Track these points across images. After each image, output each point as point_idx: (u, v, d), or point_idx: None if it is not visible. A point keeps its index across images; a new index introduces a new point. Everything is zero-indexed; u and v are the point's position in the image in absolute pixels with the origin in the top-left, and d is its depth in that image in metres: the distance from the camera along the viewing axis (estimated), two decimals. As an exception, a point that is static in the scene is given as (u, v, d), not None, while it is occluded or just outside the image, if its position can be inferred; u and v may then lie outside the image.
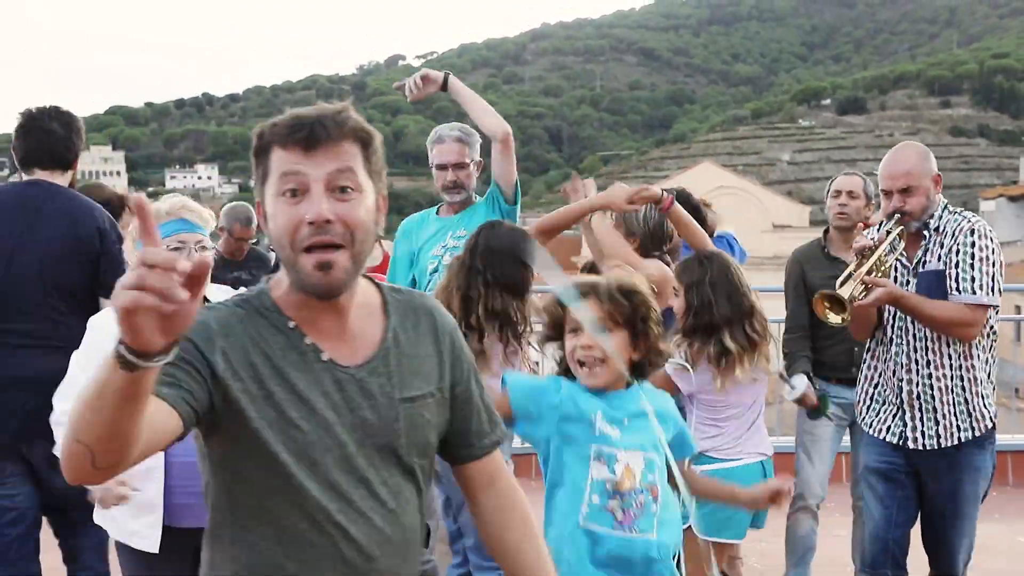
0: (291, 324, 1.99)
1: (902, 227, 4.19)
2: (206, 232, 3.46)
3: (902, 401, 4.25)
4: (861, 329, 4.39)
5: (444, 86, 4.67)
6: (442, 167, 4.81)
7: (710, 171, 59.64)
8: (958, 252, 4.12)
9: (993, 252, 4.13)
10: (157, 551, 3.31)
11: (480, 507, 2.27)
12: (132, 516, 3.33)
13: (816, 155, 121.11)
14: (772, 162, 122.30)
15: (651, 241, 4.65)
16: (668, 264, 4.59)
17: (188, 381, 1.86)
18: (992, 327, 4.24)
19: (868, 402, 4.45)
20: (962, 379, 4.18)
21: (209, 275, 3.25)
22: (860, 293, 4.06)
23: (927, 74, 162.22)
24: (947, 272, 4.14)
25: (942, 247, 4.18)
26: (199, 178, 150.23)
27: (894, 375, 4.29)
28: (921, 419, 4.21)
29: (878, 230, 4.32)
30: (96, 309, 4.10)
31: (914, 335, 4.23)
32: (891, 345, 4.30)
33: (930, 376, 4.20)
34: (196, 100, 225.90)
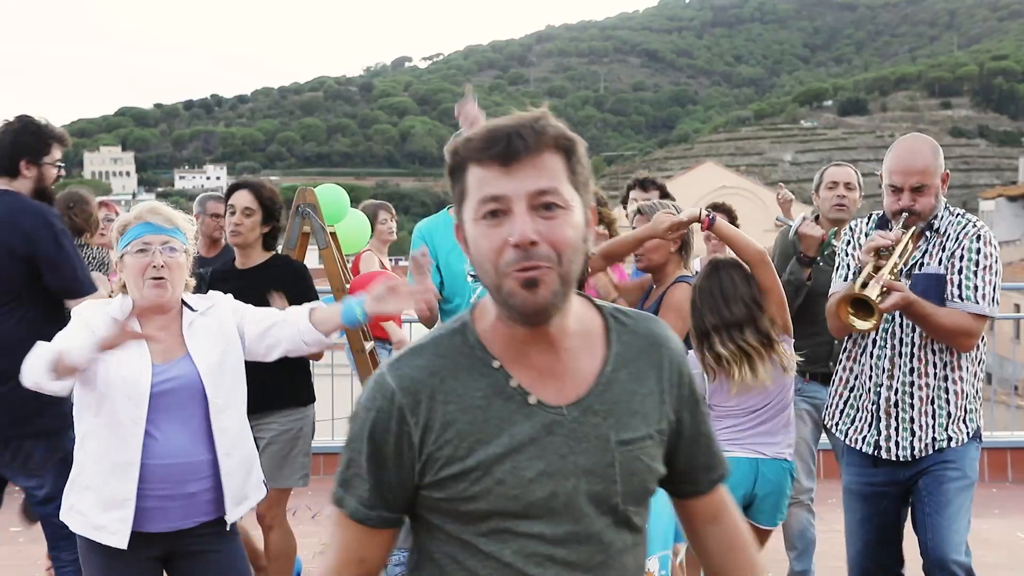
0: (495, 364, 1.82)
1: (914, 227, 3.95)
2: (177, 234, 3.39)
3: (878, 408, 4.01)
4: (844, 327, 4.07)
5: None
6: None
7: (713, 171, 59.76)
8: (962, 258, 3.90)
9: (996, 261, 3.93)
10: (125, 547, 3.23)
11: (702, 541, 2.10)
12: (102, 510, 3.27)
13: (818, 155, 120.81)
14: (774, 162, 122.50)
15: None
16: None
17: (395, 496, 1.83)
18: (983, 338, 4.04)
19: (842, 407, 4.19)
20: (946, 390, 3.94)
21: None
22: (878, 297, 3.73)
23: (927, 76, 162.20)
24: (948, 277, 3.91)
25: (943, 250, 3.95)
26: (208, 178, 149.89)
27: (871, 379, 4.05)
28: (896, 428, 3.98)
29: (889, 228, 4.01)
30: (41, 309, 4.31)
31: (900, 339, 3.98)
32: (872, 347, 4.06)
33: (912, 384, 3.97)
34: (205, 101, 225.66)
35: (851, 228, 4.27)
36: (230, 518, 3.43)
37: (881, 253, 3.84)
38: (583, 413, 1.82)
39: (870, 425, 4.04)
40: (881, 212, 4.16)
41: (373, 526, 1.84)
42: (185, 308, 3.45)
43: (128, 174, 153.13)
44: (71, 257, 4.38)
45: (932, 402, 3.95)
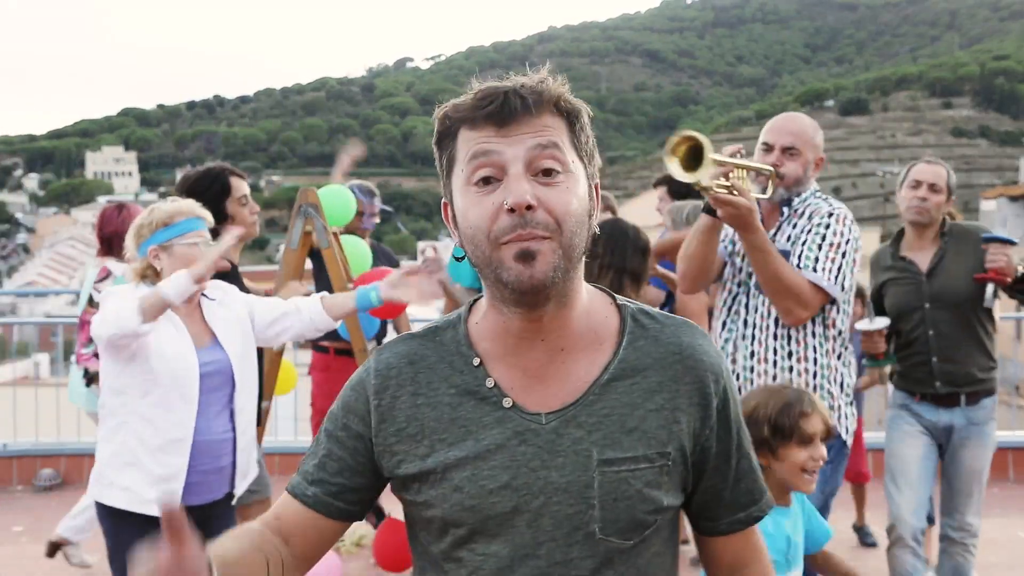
0: (475, 361, 1.65)
1: (772, 191, 3.74)
2: (204, 228, 3.69)
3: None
4: (694, 272, 3.83)
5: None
6: None
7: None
8: (809, 231, 3.70)
9: (848, 243, 3.67)
10: None
11: None
12: (150, 485, 3.47)
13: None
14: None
15: None
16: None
17: (339, 475, 1.70)
18: (840, 331, 3.75)
19: None
20: (790, 382, 3.64)
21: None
22: (718, 186, 3.43)
23: (929, 76, 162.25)
24: (791, 251, 3.71)
25: (794, 228, 3.77)
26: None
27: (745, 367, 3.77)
28: None
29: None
30: None
31: (745, 321, 3.78)
32: (721, 330, 3.85)
33: (751, 370, 3.75)
34: (207, 102, 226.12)
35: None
36: (238, 491, 3.74)
37: (736, 156, 3.57)
38: (563, 424, 1.61)
39: None
40: None
41: (304, 504, 1.71)
42: (202, 297, 3.70)
43: (130, 174, 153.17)
44: None
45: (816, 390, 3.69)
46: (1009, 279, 4.34)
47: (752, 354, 3.75)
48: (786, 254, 3.70)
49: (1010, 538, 6.26)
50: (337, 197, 5.23)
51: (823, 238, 3.67)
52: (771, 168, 3.74)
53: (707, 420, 1.66)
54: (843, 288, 3.67)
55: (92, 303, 5.15)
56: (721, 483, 1.71)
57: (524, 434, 1.60)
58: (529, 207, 1.50)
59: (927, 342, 4.45)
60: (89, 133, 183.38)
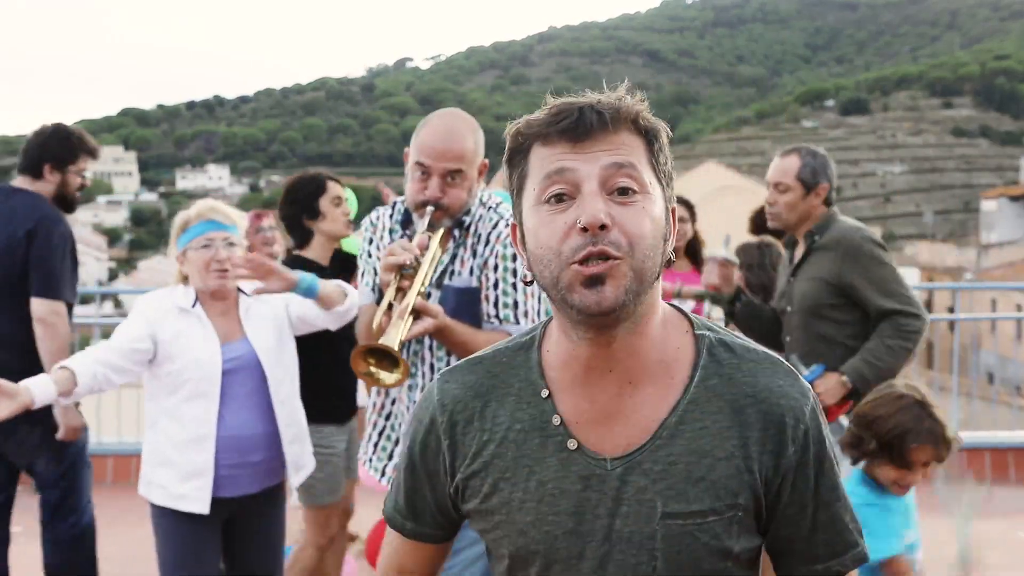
0: (544, 393, 1.59)
1: (441, 226, 3.12)
2: (234, 230, 3.76)
3: None
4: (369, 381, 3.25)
5: None
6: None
7: (714, 171, 59.50)
8: (496, 268, 3.13)
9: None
10: (207, 512, 3.60)
11: None
12: (181, 480, 3.61)
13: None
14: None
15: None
16: None
17: (427, 512, 1.71)
18: None
19: (377, 438, 3.36)
20: None
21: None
22: (402, 340, 2.89)
23: (929, 75, 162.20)
24: (484, 293, 3.15)
25: (474, 255, 3.17)
26: (209, 178, 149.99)
27: (408, 407, 3.26)
28: None
29: (404, 234, 3.23)
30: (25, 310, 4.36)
31: (431, 365, 3.21)
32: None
33: None
34: (207, 102, 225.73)
35: (372, 223, 3.39)
36: (294, 483, 3.90)
37: (405, 271, 2.97)
38: (628, 470, 1.53)
39: None
40: (403, 200, 3.30)
41: (408, 537, 1.73)
42: (240, 294, 3.82)
43: (130, 174, 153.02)
44: (58, 261, 4.42)
45: None
46: (838, 412, 4.01)
47: None
48: (473, 292, 3.15)
49: (1009, 538, 6.27)
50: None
51: (515, 273, 3.13)
52: (432, 208, 3.09)
53: (779, 468, 1.55)
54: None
55: None
56: (794, 533, 1.60)
57: (589, 479, 1.54)
58: (603, 227, 1.44)
59: (782, 347, 4.36)
60: (89, 133, 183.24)
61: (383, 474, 3.32)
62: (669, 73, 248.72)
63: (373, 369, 2.91)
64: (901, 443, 3.04)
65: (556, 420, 1.56)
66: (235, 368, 3.66)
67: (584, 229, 1.43)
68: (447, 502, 1.67)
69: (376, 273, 3.19)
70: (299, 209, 4.70)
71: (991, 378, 15.42)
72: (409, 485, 1.70)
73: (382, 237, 3.32)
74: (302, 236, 4.74)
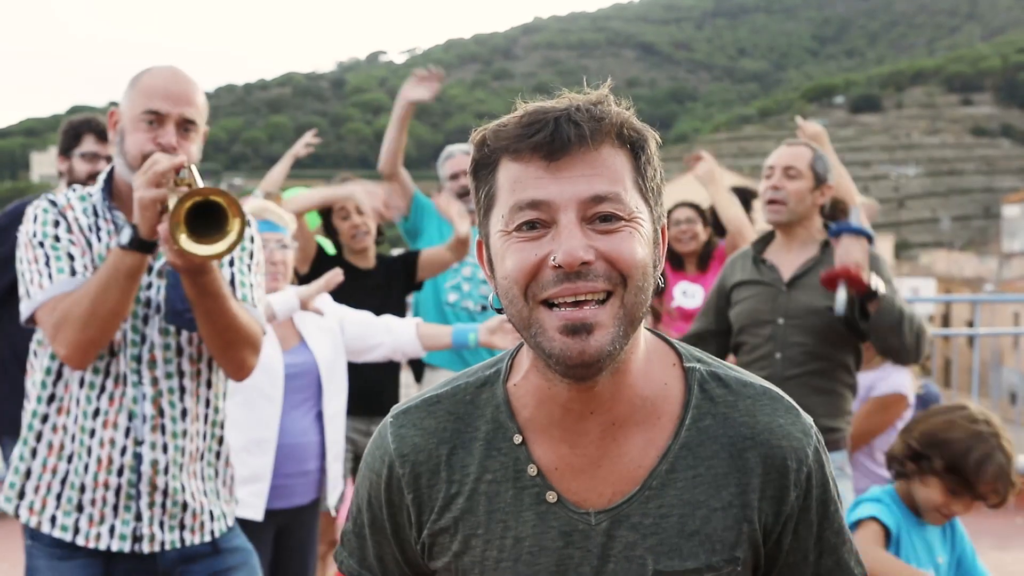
0: (517, 439, 1.51)
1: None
2: (286, 232, 3.90)
3: (138, 479, 2.76)
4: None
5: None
6: (454, 176, 5.66)
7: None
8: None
9: (260, 250, 3.05)
10: (261, 519, 3.61)
11: None
12: (238, 486, 3.50)
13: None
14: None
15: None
16: None
17: (398, 571, 1.64)
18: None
19: (60, 488, 2.78)
20: (217, 455, 2.98)
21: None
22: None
23: (947, 70, 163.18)
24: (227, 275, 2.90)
25: None
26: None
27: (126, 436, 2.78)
28: (163, 509, 2.80)
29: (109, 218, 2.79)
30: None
31: (153, 379, 2.79)
32: (114, 386, 2.77)
33: (184, 434, 2.84)
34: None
35: (55, 203, 2.81)
36: (332, 501, 3.91)
37: (181, 177, 2.64)
38: (614, 525, 1.48)
39: (117, 509, 2.75)
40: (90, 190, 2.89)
41: None
42: None
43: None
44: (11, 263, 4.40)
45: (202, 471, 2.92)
46: (863, 280, 3.78)
47: (185, 412, 2.84)
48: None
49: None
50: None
51: (251, 255, 2.97)
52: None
53: (780, 516, 1.51)
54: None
55: None
56: None
57: (572, 535, 1.48)
58: (585, 263, 1.36)
59: (773, 364, 3.98)
60: (35, 132, 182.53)
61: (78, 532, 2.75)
62: (664, 67, 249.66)
63: (195, 247, 2.49)
64: (976, 471, 3.05)
65: (532, 470, 1.50)
66: (296, 374, 3.74)
67: (559, 267, 1.36)
68: (418, 559, 1.61)
69: (74, 258, 2.71)
70: None
71: (1013, 398, 15.39)
72: (375, 541, 1.63)
73: (76, 220, 2.78)
74: None
